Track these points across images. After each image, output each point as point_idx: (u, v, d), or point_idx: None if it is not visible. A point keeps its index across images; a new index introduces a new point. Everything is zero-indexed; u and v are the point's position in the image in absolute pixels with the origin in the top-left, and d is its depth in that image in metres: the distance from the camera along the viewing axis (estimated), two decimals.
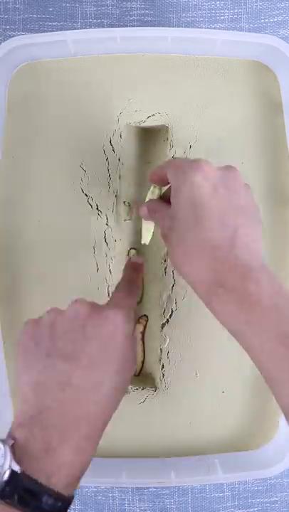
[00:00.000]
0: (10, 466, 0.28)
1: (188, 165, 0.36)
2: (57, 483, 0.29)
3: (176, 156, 0.46)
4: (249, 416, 0.47)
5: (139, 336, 0.47)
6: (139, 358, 0.48)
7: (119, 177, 0.46)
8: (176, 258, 0.36)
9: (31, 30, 0.50)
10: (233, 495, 0.50)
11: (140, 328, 0.47)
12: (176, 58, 0.47)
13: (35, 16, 0.50)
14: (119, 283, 0.41)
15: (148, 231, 0.44)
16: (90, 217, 0.46)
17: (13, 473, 0.28)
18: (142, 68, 0.47)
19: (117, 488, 0.49)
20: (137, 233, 0.48)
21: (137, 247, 0.48)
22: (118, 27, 0.50)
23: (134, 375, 0.48)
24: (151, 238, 0.44)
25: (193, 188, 0.35)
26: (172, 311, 0.46)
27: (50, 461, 0.29)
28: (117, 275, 0.47)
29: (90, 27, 0.50)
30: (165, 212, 0.37)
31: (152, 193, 0.42)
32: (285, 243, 0.47)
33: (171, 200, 0.36)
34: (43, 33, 0.45)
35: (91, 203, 0.46)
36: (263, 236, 0.35)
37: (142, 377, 0.48)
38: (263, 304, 0.31)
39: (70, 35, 0.43)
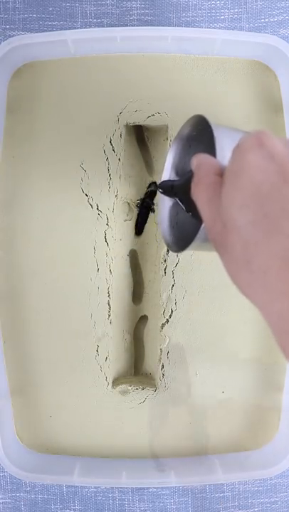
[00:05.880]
0: None
1: (244, 140, 0.26)
2: None
3: None
4: (249, 416, 0.47)
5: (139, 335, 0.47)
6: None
7: (119, 177, 0.46)
8: (240, 281, 0.26)
9: (31, 30, 0.50)
10: (233, 495, 0.50)
11: (140, 327, 0.47)
12: (176, 58, 0.47)
13: (35, 15, 0.50)
14: None
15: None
16: (90, 217, 0.46)
17: None
18: (142, 68, 0.47)
19: (117, 488, 0.49)
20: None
21: (136, 247, 0.48)
22: (118, 27, 0.50)
23: (134, 375, 0.48)
24: (151, 234, 0.43)
25: (254, 174, 0.25)
26: (172, 311, 0.46)
27: None
28: (117, 275, 0.47)
29: (90, 27, 0.50)
30: (215, 207, 0.27)
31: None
32: None
33: (223, 194, 0.26)
34: (42, 33, 0.45)
35: (91, 203, 0.46)
36: None
37: (142, 377, 0.48)
38: None
39: (70, 35, 0.43)
